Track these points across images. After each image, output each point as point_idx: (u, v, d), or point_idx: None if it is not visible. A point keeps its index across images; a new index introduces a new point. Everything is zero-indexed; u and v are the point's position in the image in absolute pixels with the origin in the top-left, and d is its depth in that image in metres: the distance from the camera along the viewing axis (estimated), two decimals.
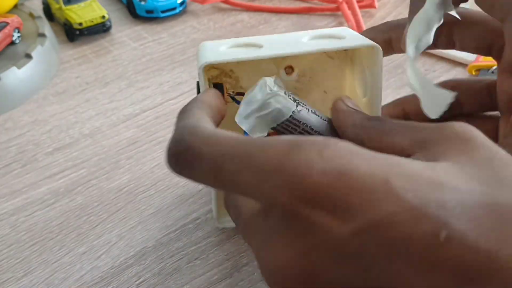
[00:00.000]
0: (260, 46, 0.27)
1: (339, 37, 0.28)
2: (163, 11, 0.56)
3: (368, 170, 0.16)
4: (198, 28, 0.56)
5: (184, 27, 0.56)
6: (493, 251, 0.15)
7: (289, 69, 0.31)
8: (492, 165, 0.17)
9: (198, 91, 0.27)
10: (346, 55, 0.31)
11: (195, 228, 0.33)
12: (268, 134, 0.25)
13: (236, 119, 0.25)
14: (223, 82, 0.29)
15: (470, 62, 0.45)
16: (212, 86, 0.27)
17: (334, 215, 0.16)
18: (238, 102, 0.26)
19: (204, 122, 0.21)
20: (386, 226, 0.15)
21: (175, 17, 0.57)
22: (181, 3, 0.57)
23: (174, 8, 0.56)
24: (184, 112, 0.22)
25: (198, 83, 0.27)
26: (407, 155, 0.19)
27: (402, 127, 0.21)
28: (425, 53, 0.35)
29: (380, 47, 0.26)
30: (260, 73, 0.26)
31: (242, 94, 0.26)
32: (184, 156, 0.19)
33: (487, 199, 0.16)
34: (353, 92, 0.31)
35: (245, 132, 0.24)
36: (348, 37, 0.28)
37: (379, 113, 0.28)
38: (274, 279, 0.18)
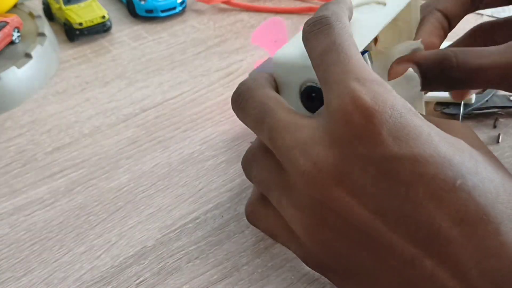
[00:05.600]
0: (383, 4, 0.31)
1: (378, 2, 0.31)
2: (163, 11, 0.56)
3: (419, 124, 0.21)
4: (198, 27, 0.56)
5: (184, 27, 0.56)
6: (488, 205, 0.19)
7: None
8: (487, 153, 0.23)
9: None
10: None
11: (195, 227, 0.33)
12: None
13: None
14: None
15: None
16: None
17: (387, 138, 0.20)
18: None
19: None
20: (422, 162, 0.20)
21: (175, 17, 0.57)
22: (181, 3, 0.57)
23: (174, 8, 0.56)
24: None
25: None
26: None
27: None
28: None
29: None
30: None
31: None
32: (319, 26, 0.24)
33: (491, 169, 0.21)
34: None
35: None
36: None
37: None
38: (309, 173, 0.21)
